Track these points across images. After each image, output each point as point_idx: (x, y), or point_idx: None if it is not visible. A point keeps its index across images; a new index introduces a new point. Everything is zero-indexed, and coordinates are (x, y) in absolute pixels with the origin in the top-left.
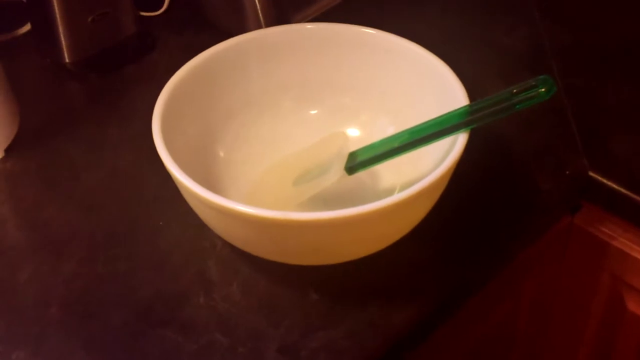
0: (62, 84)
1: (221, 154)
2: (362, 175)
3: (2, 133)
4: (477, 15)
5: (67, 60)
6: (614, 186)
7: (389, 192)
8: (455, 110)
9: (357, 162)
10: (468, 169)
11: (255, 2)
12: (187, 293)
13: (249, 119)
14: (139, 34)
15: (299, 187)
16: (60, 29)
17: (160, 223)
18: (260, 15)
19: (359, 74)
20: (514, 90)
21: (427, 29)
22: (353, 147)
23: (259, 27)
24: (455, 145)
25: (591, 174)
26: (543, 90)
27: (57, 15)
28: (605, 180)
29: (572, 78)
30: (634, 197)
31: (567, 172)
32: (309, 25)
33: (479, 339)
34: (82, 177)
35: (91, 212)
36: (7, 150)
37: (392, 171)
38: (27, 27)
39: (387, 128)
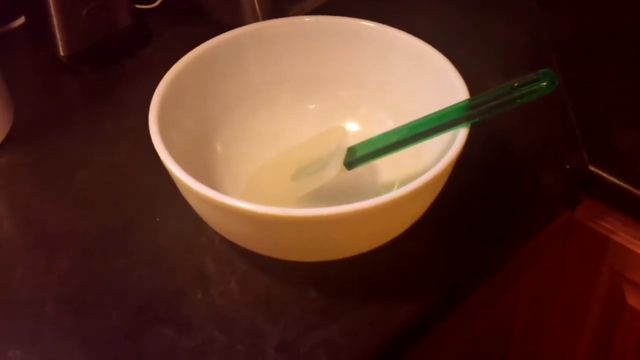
0: (57, 78)
1: (218, 148)
2: (361, 170)
3: None
4: (476, 8)
5: (61, 54)
6: (614, 180)
7: (389, 187)
8: (456, 105)
9: (356, 157)
10: (467, 164)
11: None
12: (184, 290)
13: (246, 113)
14: (134, 27)
15: (298, 182)
16: (55, 22)
17: (157, 219)
18: (257, 7)
19: (357, 67)
20: (515, 84)
21: (426, 21)
22: (352, 142)
23: (255, 20)
24: (455, 139)
25: (591, 168)
26: (545, 84)
27: (52, 8)
28: (605, 175)
29: (572, 71)
30: (634, 192)
31: (567, 167)
32: (307, 18)
33: (479, 334)
34: (78, 172)
35: (87, 208)
36: (1, 146)
37: (391, 166)
38: (21, 20)
39: (386, 122)
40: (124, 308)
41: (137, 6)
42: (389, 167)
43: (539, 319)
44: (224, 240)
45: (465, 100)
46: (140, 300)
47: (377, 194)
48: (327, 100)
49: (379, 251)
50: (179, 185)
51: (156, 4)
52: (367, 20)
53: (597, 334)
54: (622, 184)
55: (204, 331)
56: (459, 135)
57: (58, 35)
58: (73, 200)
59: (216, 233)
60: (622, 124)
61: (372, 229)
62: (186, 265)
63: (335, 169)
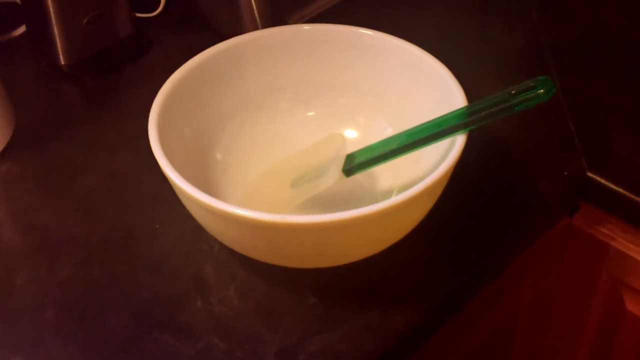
0: (57, 86)
1: (218, 156)
2: (359, 177)
3: None
4: (474, 15)
5: (62, 62)
6: (613, 187)
7: (387, 194)
8: (454, 112)
9: (354, 164)
10: (466, 170)
11: (251, 2)
12: (184, 297)
13: (245, 120)
14: (134, 36)
15: (297, 189)
16: (56, 31)
17: (157, 226)
18: (257, 16)
19: (356, 75)
20: (513, 91)
21: (424, 30)
22: (351, 149)
23: (255, 28)
24: (453, 146)
25: (590, 174)
26: (542, 91)
27: (53, 17)
28: (604, 181)
29: (570, 78)
30: (632, 198)
31: (566, 173)
32: (306, 26)
33: (479, 341)
34: (79, 179)
35: (88, 214)
36: (3, 153)
37: (390, 173)
38: (22, 29)
39: (385, 129)
40: (124, 315)
41: (138, 15)
42: (387, 174)
43: (539, 325)
44: (223, 247)
45: (463, 108)
46: (140, 307)
47: (376, 200)
48: (326, 108)
49: (378, 257)
50: (178, 193)
51: (156, 12)
52: (366, 28)
53: (596, 340)
54: (620, 190)
55: (204, 338)
56: (457, 142)
57: (59, 44)
58: (74, 207)
59: (215, 240)
60: (621, 130)
61: (371, 235)
62: (186, 272)
63: (334, 176)
